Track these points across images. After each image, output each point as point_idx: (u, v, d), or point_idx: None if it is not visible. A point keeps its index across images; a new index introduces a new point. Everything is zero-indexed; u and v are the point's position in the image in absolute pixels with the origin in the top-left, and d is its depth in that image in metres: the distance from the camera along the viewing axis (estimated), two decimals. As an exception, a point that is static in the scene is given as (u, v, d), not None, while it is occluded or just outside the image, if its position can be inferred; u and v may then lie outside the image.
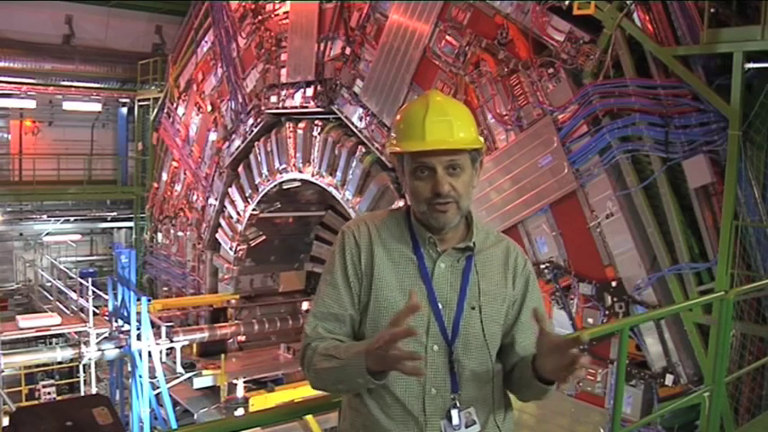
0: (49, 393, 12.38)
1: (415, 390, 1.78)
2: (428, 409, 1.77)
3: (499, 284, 1.88)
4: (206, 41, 14.63)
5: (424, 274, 1.82)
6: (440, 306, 1.80)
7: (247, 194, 13.22)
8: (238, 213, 13.52)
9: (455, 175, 1.77)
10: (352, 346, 1.74)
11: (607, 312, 7.13)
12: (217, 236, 14.25)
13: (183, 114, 15.60)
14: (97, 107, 19.36)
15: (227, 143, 13.65)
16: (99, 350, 11.01)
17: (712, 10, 6.17)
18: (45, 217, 18.46)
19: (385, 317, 1.79)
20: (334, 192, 11.15)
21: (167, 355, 11.58)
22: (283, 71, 11.85)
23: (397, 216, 1.92)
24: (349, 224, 1.95)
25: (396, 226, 1.89)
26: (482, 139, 1.84)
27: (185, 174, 15.58)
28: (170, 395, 11.32)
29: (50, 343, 12.28)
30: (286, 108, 11.88)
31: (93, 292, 11.79)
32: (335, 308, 1.85)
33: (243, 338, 13.78)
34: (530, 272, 1.96)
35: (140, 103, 18.50)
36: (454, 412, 1.77)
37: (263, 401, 10.33)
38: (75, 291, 13.37)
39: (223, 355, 12.23)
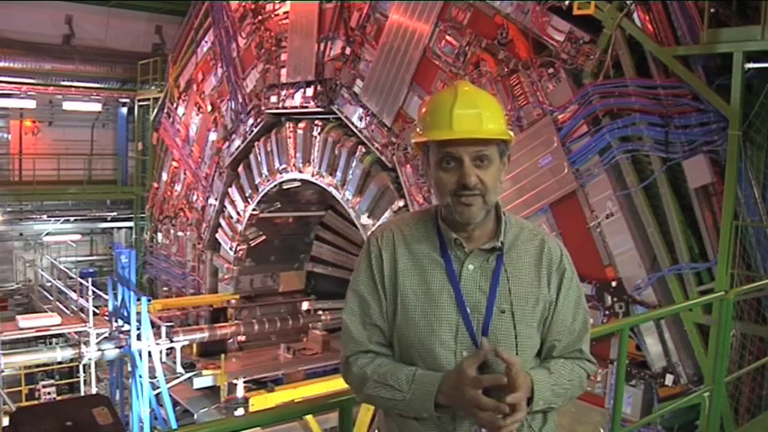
0: (49, 393, 12.38)
1: None
2: (458, 413, 1.72)
3: (532, 284, 1.79)
4: (206, 41, 14.64)
5: (452, 277, 1.75)
6: (468, 310, 1.74)
7: (247, 194, 13.22)
8: (238, 213, 13.52)
9: (482, 167, 1.70)
10: (414, 380, 1.70)
11: (607, 312, 7.12)
12: (217, 236, 14.25)
13: (183, 114, 15.60)
14: (97, 107, 19.37)
15: (227, 143, 13.65)
16: (99, 350, 11.01)
17: (712, 10, 6.16)
18: (45, 217, 18.46)
19: (411, 323, 1.75)
20: (334, 192, 11.15)
21: (167, 355, 11.56)
22: (283, 71, 11.85)
23: (425, 218, 1.86)
24: (375, 231, 1.90)
25: (423, 228, 1.83)
26: (511, 132, 1.77)
27: (185, 174, 15.58)
28: (170, 395, 11.30)
29: (50, 343, 12.26)
30: (286, 108, 11.88)
31: (93, 292, 11.79)
32: (365, 318, 1.81)
33: (243, 338, 13.76)
34: (565, 267, 1.84)
35: (140, 103, 18.51)
36: None
37: (263, 401, 10.32)
38: (75, 291, 13.36)
39: (223, 355, 12.21)
